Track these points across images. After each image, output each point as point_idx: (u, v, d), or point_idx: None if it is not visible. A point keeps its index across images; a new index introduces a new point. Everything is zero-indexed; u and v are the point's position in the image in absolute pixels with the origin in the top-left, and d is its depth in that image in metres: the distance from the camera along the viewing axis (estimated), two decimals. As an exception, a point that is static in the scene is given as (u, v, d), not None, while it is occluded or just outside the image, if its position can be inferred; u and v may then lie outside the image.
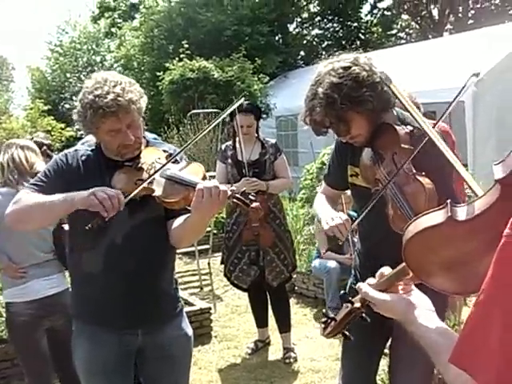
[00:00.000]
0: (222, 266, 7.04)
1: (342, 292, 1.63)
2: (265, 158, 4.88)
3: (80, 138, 19.85)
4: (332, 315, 1.63)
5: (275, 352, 5.21)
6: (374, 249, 2.71)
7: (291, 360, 5.01)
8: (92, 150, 2.57)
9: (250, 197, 2.23)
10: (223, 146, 5.17)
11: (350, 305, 1.55)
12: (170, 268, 2.70)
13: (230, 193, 2.16)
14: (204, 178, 2.33)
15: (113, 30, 26.27)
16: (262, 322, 5.30)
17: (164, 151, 2.55)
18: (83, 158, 2.54)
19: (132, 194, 2.30)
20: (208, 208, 2.17)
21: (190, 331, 2.73)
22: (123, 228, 2.34)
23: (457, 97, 2.46)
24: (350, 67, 2.42)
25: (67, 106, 26.34)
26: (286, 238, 5.07)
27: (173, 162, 2.48)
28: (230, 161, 4.94)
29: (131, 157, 2.48)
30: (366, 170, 2.60)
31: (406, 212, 2.34)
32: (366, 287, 1.46)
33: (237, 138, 4.92)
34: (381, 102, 2.43)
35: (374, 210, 2.46)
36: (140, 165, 2.47)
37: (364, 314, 1.54)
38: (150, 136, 2.79)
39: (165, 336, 2.60)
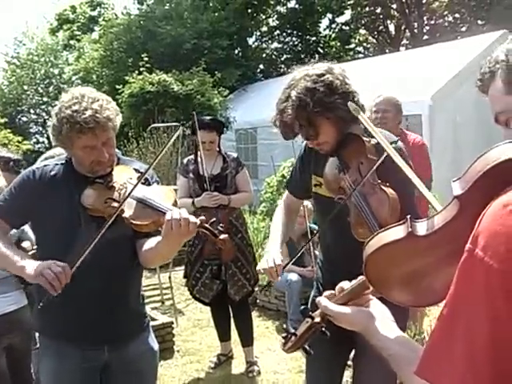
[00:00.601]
0: (184, 279, 7.01)
1: (303, 307, 1.64)
2: (226, 172, 4.89)
3: (38, 152, 19.52)
4: (292, 330, 1.63)
5: (238, 365, 5.20)
6: (335, 261, 2.74)
7: (254, 373, 5.00)
8: (62, 165, 2.55)
9: (219, 227, 2.25)
10: (185, 160, 5.17)
11: (310, 319, 1.56)
12: (137, 285, 2.70)
13: (199, 223, 2.17)
14: (175, 203, 2.35)
15: (71, 42, 25.99)
16: (224, 336, 5.29)
17: (135, 170, 2.55)
18: (52, 173, 2.52)
19: (107, 225, 2.30)
20: (177, 238, 2.19)
21: (155, 346, 2.73)
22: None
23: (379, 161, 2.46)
24: (324, 74, 2.48)
25: (24, 118, 25.94)
26: (248, 252, 5.07)
27: (144, 183, 2.48)
28: (191, 175, 4.94)
29: (103, 174, 2.48)
30: (331, 179, 2.63)
31: (369, 220, 2.37)
32: (326, 301, 1.48)
33: (198, 153, 4.92)
34: (350, 112, 2.47)
35: (336, 220, 2.49)
36: (111, 183, 2.47)
37: (324, 328, 1.55)
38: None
39: (131, 351, 2.59)
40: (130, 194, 2.36)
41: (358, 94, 2.54)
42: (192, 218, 2.15)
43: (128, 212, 2.35)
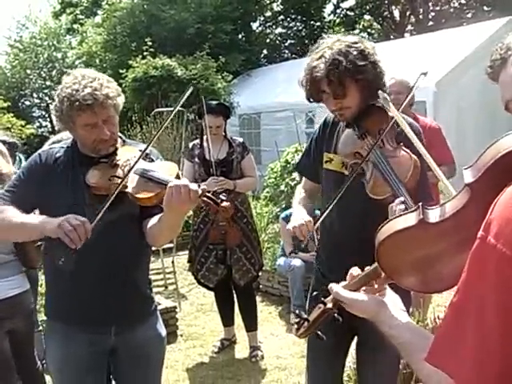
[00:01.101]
0: (187, 264, 7.02)
1: (315, 293, 1.65)
2: (232, 157, 4.89)
3: (41, 136, 19.50)
4: (305, 316, 1.65)
5: (241, 350, 5.23)
6: (339, 241, 2.73)
7: (258, 358, 5.03)
8: (68, 148, 2.57)
9: (221, 196, 2.24)
10: (190, 145, 5.17)
11: (322, 305, 1.57)
12: (145, 267, 2.71)
13: (200, 191, 2.16)
14: (177, 177, 2.33)
15: (75, 26, 25.92)
16: (228, 321, 5.31)
17: (140, 151, 2.54)
18: (57, 155, 2.54)
19: (115, 193, 2.31)
20: (178, 206, 2.17)
21: (163, 332, 2.74)
22: (96, 225, 2.33)
23: (408, 95, 2.72)
24: (357, 42, 2.57)
25: (27, 102, 25.93)
26: (253, 237, 5.08)
27: (148, 161, 2.49)
28: (197, 160, 4.94)
29: (106, 153, 2.49)
30: (347, 146, 2.63)
31: (390, 176, 2.37)
32: (338, 287, 1.49)
33: (204, 137, 4.93)
34: (377, 79, 2.57)
35: (344, 196, 2.50)
36: (115, 161, 2.48)
37: (336, 314, 1.56)
38: None
39: (138, 336, 2.60)
40: (132, 167, 2.37)
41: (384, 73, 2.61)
42: (193, 186, 2.14)
43: (131, 186, 2.36)
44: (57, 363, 2.59)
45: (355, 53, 2.51)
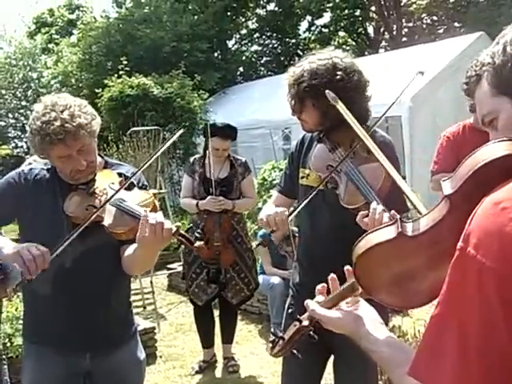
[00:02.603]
0: (166, 284, 6.95)
1: (291, 310, 1.63)
2: (233, 177, 4.89)
3: (17, 156, 19.34)
4: (280, 334, 1.62)
5: (221, 370, 5.18)
6: (314, 256, 2.72)
7: (234, 368, 5.06)
8: (48, 170, 2.53)
9: (196, 234, 2.23)
10: (191, 159, 5.15)
11: (298, 323, 1.55)
12: (123, 291, 2.67)
13: (174, 229, 2.12)
14: (154, 208, 2.30)
15: (50, 45, 25.82)
16: (208, 342, 5.26)
17: (119, 174, 2.51)
18: (38, 177, 2.50)
19: (84, 225, 2.26)
20: (151, 244, 2.14)
21: (142, 355, 2.69)
22: (73, 252, 2.29)
23: (401, 93, 2.77)
24: (337, 68, 2.56)
25: (2, 123, 25.74)
26: (247, 257, 5.07)
27: (126, 189, 2.43)
28: (197, 177, 4.91)
29: (84, 182, 2.44)
30: (319, 159, 2.63)
31: (362, 184, 2.37)
32: (314, 305, 1.47)
33: (207, 155, 4.88)
34: (337, 114, 2.51)
35: (319, 210, 2.49)
36: (92, 189, 2.43)
37: (312, 332, 1.54)
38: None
39: (115, 360, 2.55)
40: (106, 202, 2.32)
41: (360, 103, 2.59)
42: (167, 224, 2.10)
43: (107, 220, 2.32)
44: None
45: (324, 79, 2.52)
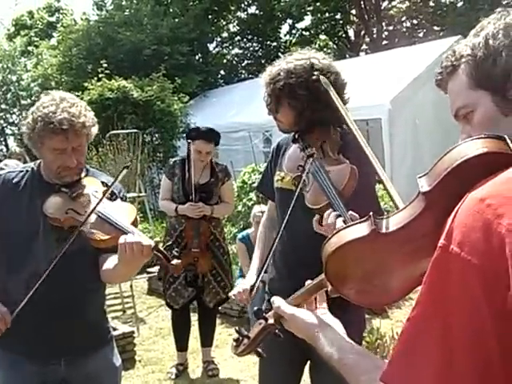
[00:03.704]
0: (146, 287, 6.89)
1: (256, 308, 1.60)
2: (214, 183, 4.86)
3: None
4: (245, 333, 1.58)
5: (200, 374, 5.15)
6: (287, 260, 2.73)
7: (214, 372, 5.04)
8: (26, 172, 2.50)
9: (174, 252, 2.22)
10: (171, 162, 5.12)
11: (263, 321, 1.52)
12: (98, 298, 2.64)
13: (153, 245, 2.13)
14: (134, 221, 2.31)
15: (29, 48, 25.64)
16: (183, 346, 5.22)
17: (102, 183, 2.50)
18: (15, 180, 2.47)
19: (67, 246, 2.25)
20: (131, 261, 2.14)
21: (117, 361, 2.65)
22: (48, 256, 2.26)
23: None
24: (313, 68, 2.53)
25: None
26: (225, 260, 5.05)
27: (109, 198, 2.43)
28: (176, 180, 4.88)
29: (69, 181, 2.42)
30: (291, 160, 2.61)
31: (325, 184, 2.34)
32: (279, 301, 1.45)
33: (189, 160, 4.82)
34: (312, 112, 2.53)
35: (292, 212, 2.48)
36: (75, 194, 2.41)
37: (277, 330, 1.51)
38: None
39: (90, 367, 2.52)
40: (93, 210, 2.30)
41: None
42: (145, 241, 2.10)
43: (87, 226, 2.30)
44: None
45: (300, 79, 2.51)
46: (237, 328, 1.63)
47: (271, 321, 1.50)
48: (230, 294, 2.77)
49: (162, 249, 2.18)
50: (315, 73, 2.52)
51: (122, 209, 2.41)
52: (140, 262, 2.21)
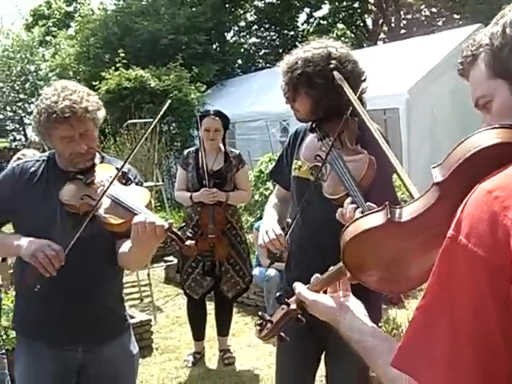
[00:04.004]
0: (163, 276, 6.91)
1: (278, 294, 1.63)
2: (227, 169, 4.87)
3: (15, 149, 19.36)
4: (268, 317, 1.62)
5: (216, 362, 5.19)
6: (304, 248, 2.72)
7: (230, 360, 5.09)
8: (43, 161, 2.54)
9: (188, 233, 2.22)
10: (185, 152, 5.14)
11: (285, 306, 1.55)
12: (116, 285, 2.67)
13: (167, 226, 2.13)
14: (149, 204, 2.32)
15: (47, 38, 25.79)
16: (200, 335, 5.26)
17: (117, 169, 2.51)
18: (32, 169, 2.51)
19: (85, 223, 2.28)
20: (144, 242, 2.15)
21: (134, 349, 2.68)
22: (66, 242, 2.28)
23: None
24: (331, 57, 2.53)
25: (1, 116, 25.69)
26: (242, 249, 5.06)
27: (123, 183, 2.47)
28: (191, 169, 4.91)
29: (83, 167, 2.45)
30: (308, 149, 2.61)
31: (344, 174, 2.34)
32: (301, 287, 1.48)
33: (202, 147, 4.87)
34: (329, 101, 2.52)
35: (309, 202, 2.48)
36: (90, 180, 2.44)
37: (300, 315, 1.54)
38: None
39: (107, 354, 2.55)
40: (104, 192, 2.33)
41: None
42: (159, 222, 2.12)
43: (100, 210, 2.32)
44: (23, 378, 2.54)
45: (317, 67, 2.50)
46: (260, 313, 1.67)
47: (293, 306, 1.53)
48: (259, 242, 2.63)
49: (175, 230, 2.19)
50: (332, 61, 2.52)
51: (136, 192, 2.43)
52: (154, 244, 2.22)
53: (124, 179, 2.50)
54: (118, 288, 2.70)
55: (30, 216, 2.42)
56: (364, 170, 2.36)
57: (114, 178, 2.36)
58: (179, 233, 2.20)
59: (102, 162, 2.57)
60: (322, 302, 1.41)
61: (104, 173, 2.49)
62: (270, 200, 3.03)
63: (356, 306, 1.39)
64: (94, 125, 2.43)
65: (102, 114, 2.47)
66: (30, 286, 2.26)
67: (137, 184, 2.56)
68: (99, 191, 2.38)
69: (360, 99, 2.60)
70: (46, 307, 2.43)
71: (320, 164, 2.47)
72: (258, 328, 1.65)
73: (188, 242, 2.19)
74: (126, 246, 2.36)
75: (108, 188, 2.33)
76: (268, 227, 2.63)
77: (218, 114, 4.92)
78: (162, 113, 2.56)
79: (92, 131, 2.43)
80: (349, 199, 2.20)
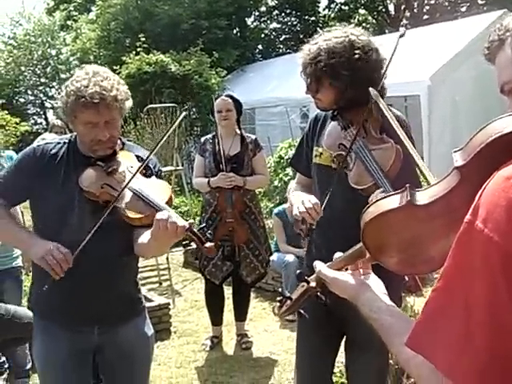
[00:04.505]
0: (182, 260, 6.91)
1: (298, 271, 1.65)
2: (244, 154, 4.89)
3: (36, 133, 19.48)
4: (288, 294, 1.65)
5: (233, 346, 5.23)
6: (326, 235, 2.71)
7: (247, 345, 5.12)
8: (64, 144, 2.54)
9: (207, 235, 2.23)
10: (202, 139, 5.16)
11: (305, 284, 1.58)
12: (132, 270, 2.70)
13: (187, 227, 2.15)
14: (169, 200, 2.34)
15: (68, 22, 25.79)
16: (218, 320, 5.30)
17: (137, 157, 2.53)
18: (53, 151, 2.50)
19: (105, 214, 2.30)
20: (164, 239, 2.19)
21: (150, 331, 2.71)
22: (83, 228, 2.31)
23: (390, 59, 2.56)
24: (354, 46, 2.50)
25: (22, 100, 25.84)
26: (261, 234, 5.08)
27: (145, 175, 2.48)
28: (208, 155, 4.93)
29: (103, 155, 2.46)
30: (332, 137, 2.60)
31: (371, 165, 2.34)
32: (321, 265, 1.49)
33: (218, 133, 4.91)
34: (358, 87, 2.49)
35: (332, 188, 2.47)
36: (111, 169, 2.44)
37: (319, 293, 1.56)
38: None
39: (123, 336, 2.58)
40: (126, 185, 2.34)
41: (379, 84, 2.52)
42: (180, 222, 2.13)
43: (122, 202, 2.33)
44: (41, 361, 2.58)
45: (342, 59, 2.47)
46: (280, 289, 1.69)
47: (313, 284, 1.56)
48: (295, 212, 2.53)
49: (195, 230, 2.21)
50: (356, 51, 2.49)
51: (158, 186, 2.44)
52: (173, 241, 2.24)
53: (144, 169, 2.50)
54: (134, 272, 2.73)
55: (47, 197, 2.43)
56: (391, 161, 2.36)
57: (136, 172, 2.37)
58: (199, 233, 2.21)
59: (122, 149, 2.57)
60: (342, 279, 1.42)
61: (125, 161, 2.49)
62: (291, 187, 3.02)
63: (376, 285, 1.40)
64: (119, 114, 2.42)
65: (129, 104, 2.47)
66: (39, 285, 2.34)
67: (157, 175, 2.57)
68: (120, 182, 2.39)
69: (382, 86, 2.58)
70: (61, 290, 2.43)
71: (344, 153, 2.46)
72: (278, 304, 1.67)
73: (208, 245, 2.22)
74: (144, 237, 2.38)
75: (130, 181, 2.35)
76: (304, 197, 2.56)
77: (229, 96, 4.98)
78: (177, 123, 2.58)
79: (117, 120, 2.43)
80: (380, 190, 2.20)
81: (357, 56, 2.48)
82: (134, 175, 2.35)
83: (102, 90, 2.31)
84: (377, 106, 2.44)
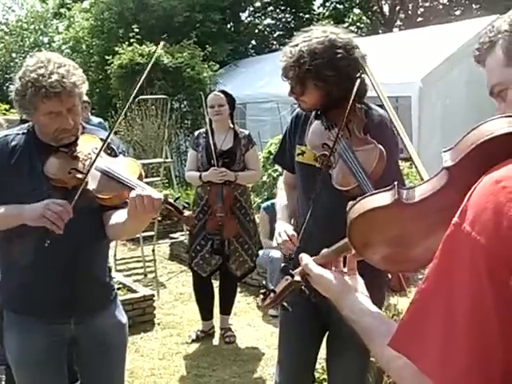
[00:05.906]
0: (168, 252, 6.89)
1: (283, 265, 1.65)
2: (236, 149, 4.90)
3: (25, 120, 19.48)
4: (272, 287, 1.64)
5: (217, 340, 5.23)
6: (310, 236, 2.72)
7: (231, 339, 5.13)
8: (23, 134, 2.46)
9: (184, 204, 2.21)
10: (196, 133, 5.17)
11: (290, 277, 1.57)
12: (104, 256, 2.66)
13: (163, 199, 2.13)
14: (140, 176, 2.30)
15: (62, 10, 25.64)
16: (207, 315, 5.30)
17: (101, 140, 2.46)
18: (13, 143, 2.43)
19: (76, 198, 2.25)
20: (142, 215, 2.15)
21: (124, 319, 2.69)
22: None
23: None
24: (336, 46, 2.49)
25: (12, 86, 25.65)
26: (251, 228, 5.10)
27: (110, 155, 2.44)
28: (200, 149, 4.94)
29: (67, 142, 2.40)
30: (315, 137, 2.60)
31: (355, 166, 2.34)
32: (308, 259, 1.48)
33: (211, 127, 4.95)
34: (343, 88, 2.49)
35: (316, 188, 2.48)
36: (76, 153, 2.39)
37: (303, 287, 1.56)
38: (95, 120, 2.74)
39: (98, 325, 2.56)
40: (92, 164, 2.29)
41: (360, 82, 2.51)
42: (155, 195, 2.10)
43: (92, 184, 2.29)
44: (15, 355, 2.52)
45: (325, 60, 2.46)
46: (264, 282, 1.69)
47: (297, 278, 1.55)
48: (274, 243, 2.66)
49: (171, 201, 2.17)
50: (338, 50, 2.48)
51: (126, 164, 2.40)
52: (150, 216, 2.23)
53: (109, 150, 2.46)
54: (106, 258, 2.69)
55: (14, 190, 2.36)
56: (375, 162, 2.36)
57: (99, 150, 2.32)
58: (176, 204, 2.17)
59: (82, 133, 2.50)
60: (327, 278, 1.40)
61: (88, 144, 2.44)
62: (279, 186, 3.03)
63: (359, 287, 1.40)
64: (80, 99, 2.36)
65: (85, 87, 2.39)
66: (18, 260, 2.26)
67: (123, 154, 2.54)
68: (87, 164, 2.34)
69: (363, 83, 2.57)
70: (32, 281, 2.41)
71: (328, 153, 2.47)
72: (262, 297, 1.67)
73: (186, 213, 2.19)
74: (117, 218, 2.35)
75: (95, 160, 2.30)
76: (281, 228, 2.65)
77: (221, 91, 5.03)
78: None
79: (77, 106, 2.36)
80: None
81: (339, 55, 2.47)
82: (98, 154, 2.31)
83: (61, 78, 2.23)
84: (364, 72, 2.45)
